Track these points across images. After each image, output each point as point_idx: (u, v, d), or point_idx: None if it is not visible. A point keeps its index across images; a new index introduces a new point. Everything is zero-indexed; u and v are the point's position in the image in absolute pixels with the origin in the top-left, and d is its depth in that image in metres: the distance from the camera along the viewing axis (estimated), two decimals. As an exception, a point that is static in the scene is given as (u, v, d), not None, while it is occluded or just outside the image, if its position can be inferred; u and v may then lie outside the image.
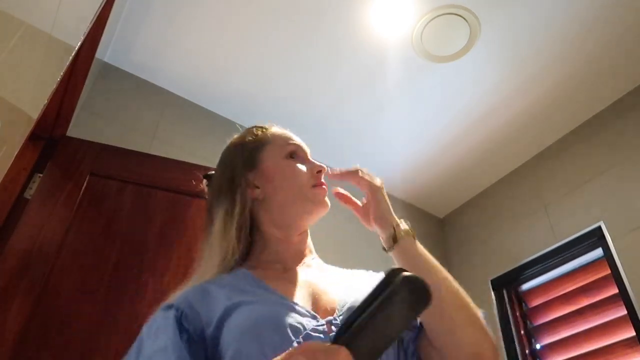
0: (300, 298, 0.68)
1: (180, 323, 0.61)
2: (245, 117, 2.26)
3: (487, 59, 1.98)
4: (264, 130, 0.88)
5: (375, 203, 0.77)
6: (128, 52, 2.01)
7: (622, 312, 1.79)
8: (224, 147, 0.89)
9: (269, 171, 0.82)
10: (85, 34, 1.23)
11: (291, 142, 0.86)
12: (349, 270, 0.82)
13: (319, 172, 0.83)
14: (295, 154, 0.85)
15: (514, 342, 2.14)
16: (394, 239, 0.72)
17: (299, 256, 0.80)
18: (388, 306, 0.42)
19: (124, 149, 1.61)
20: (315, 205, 0.80)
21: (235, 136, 0.91)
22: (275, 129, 0.89)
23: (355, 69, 2.04)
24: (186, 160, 1.72)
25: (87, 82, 1.50)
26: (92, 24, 1.24)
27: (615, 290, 1.85)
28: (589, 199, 2.09)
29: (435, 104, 2.19)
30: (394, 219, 0.76)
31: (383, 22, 1.86)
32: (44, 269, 1.28)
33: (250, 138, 0.87)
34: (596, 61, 1.99)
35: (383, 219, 0.75)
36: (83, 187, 1.44)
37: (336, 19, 1.86)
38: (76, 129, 1.64)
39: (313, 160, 0.86)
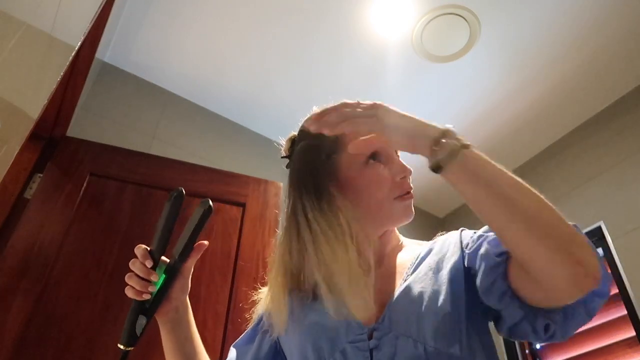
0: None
1: None
2: (245, 117, 2.26)
3: (487, 59, 1.98)
4: None
5: (391, 134, 0.60)
6: (128, 52, 2.01)
7: (622, 312, 1.79)
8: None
9: (348, 182, 0.74)
10: (85, 34, 1.23)
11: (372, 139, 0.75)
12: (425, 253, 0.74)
13: (404, 178, 0.75)
14: (377, 154, 0.75)
15: (514, 342, 2.14)
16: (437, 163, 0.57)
17: (379, 255, 0.76)
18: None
19: (124, 149, 1.61)
20: (398, 219, 0.75)
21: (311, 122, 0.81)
22: None
23: (355, 69, 2.04)
24: (186, 160, 1.72)
25: (87, 82, 1.50)
26: (92, 24, 1.23)
27: (615, 290, 1.85)
28: (589, 199, 2.09)
29: (435, 103, 2.19)
30: (429, 129, 0.59)
31: (383, 22, 1.86)
32: (44, 269, 1.28)
33: (327, 137, 0.74)
34: (596, 61, 1.99)
35: (415, 140, 0.59)
36: (83, 187, 1.44)
37: (336, 19, 1.86)
38: (76, 129, 1.64)
39: (398, 160, 0.77)
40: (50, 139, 1.49)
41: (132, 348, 0.68)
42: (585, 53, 1.95)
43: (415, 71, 2.04)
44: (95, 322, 1.27)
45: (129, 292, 0.70)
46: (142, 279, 0.69)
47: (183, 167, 1.64)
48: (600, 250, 1.97)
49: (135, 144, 1.83)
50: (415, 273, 0.71)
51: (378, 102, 0.62)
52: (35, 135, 1.41)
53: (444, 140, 0.57)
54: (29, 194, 1.36)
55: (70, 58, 1.18)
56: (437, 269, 0.69)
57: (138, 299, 0.69)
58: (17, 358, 1.15)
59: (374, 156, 0.75)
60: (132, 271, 0.70)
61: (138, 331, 0.68)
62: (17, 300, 1.22)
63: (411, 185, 0.77)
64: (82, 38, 1.22)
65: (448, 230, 0.78)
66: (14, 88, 1.05)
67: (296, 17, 1.85)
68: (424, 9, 1.81)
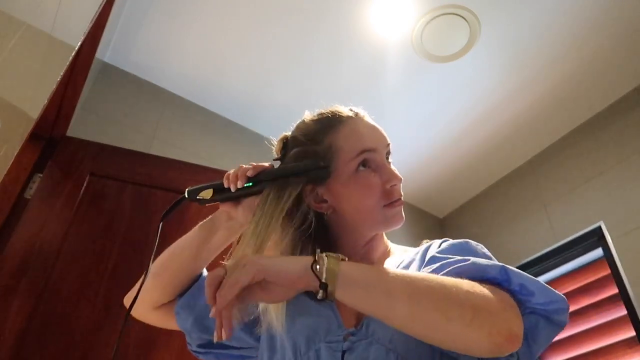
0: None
1: None
2: (245, 117, 2.26)
3: (487, 59, 1.98)
4: (335, 128, 0.78)
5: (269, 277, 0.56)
6: (128, 52, 2.01)
7: (622, 312, 1.79)
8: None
9: (337, 188, 0.74)
10: (85, 34, 1.23)
11: (364, 147, 0.75)
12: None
13: (394, 185, 0.74)
14: (367, 162, 0.75)
15: (514, 342, 2.14)
16: (323, 284, 0.54)
17: (366, 259, 0.77)
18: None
19: (124, 149, 1.61)
20: (387, 225, 0.75)
21: (304, 128, 0.81)
22: (347, 129, 0.77)
23: (355, 69, 2.04)
24: (186, 160, 1.72)
25: (87, 82, 1.50)
26: (92, 24, 1.24)
27: (615, 291, 1.85)
28: (589, 199, 2.09)
29: (435, 103, 2.19)
30: (302, 260, 0.57)
31: (383, 22, 1.85)
32: (44, 268, 1.28)
33: (320, 145, 0.77)
34: (596, 61, 1.99)
35: (290, 276, 0.56)
36: (83, 187, 1.44)
37: (336, 19, 1.85)
38: (76, 129, 1.64)
39: (389, 168, 0.76)
40: (50, 139, 1.49)
41: (188, 198, 0.81)
42: (585, 53, 1.95)
43: (415, 71, 2.04)
44: (95, 322, 1.27)
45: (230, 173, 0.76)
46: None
47: (183, 167, 1.64)
48: (600, 250, 1.98)
49: (135, 144, 1.83)
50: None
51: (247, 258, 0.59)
52: (35, 135, 1.41)
53: (322, 257, 0.56)
54: (29, 194, 1.36)
55: (70, 58, 1.18)
56: None
57: (223, 181, 0.77)
58: (18, 357, 1.15)
59: (364, 163, 0.74)
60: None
61: (201, 196, 0.79)
62: (17, 300, 1.22)
63: (401, 192, 0.76)
64: (82, 38, 1.22)
65: (447, 230, 0.78)
66: (14, 88, 1.05)
67: (296, 17, 1.85)
68: (424, 9, 1.81)
